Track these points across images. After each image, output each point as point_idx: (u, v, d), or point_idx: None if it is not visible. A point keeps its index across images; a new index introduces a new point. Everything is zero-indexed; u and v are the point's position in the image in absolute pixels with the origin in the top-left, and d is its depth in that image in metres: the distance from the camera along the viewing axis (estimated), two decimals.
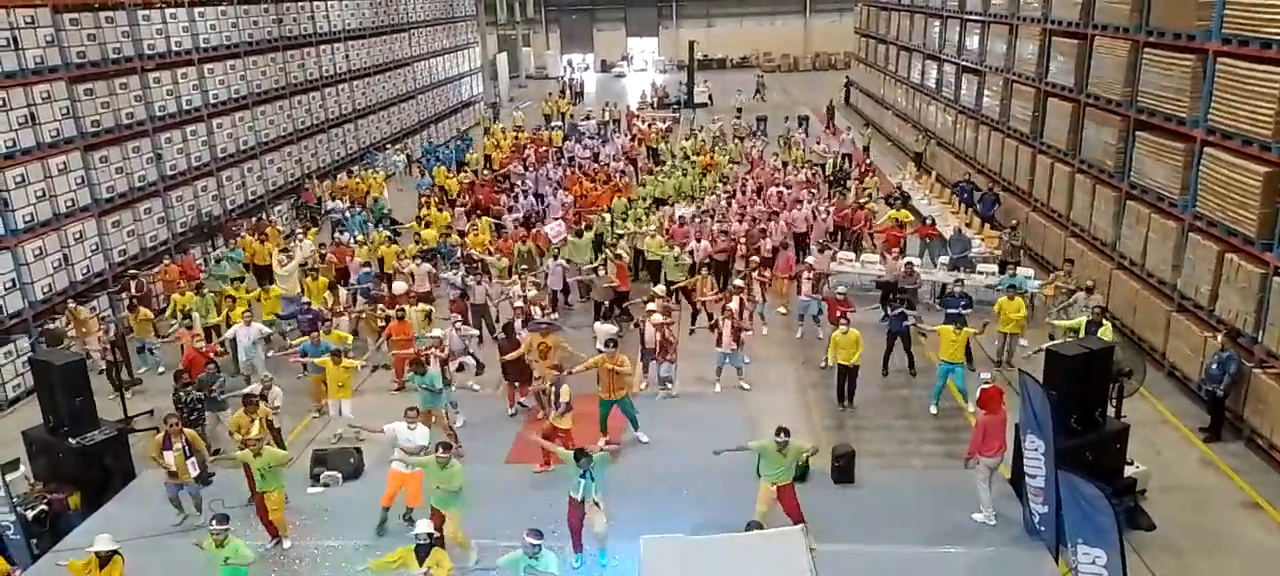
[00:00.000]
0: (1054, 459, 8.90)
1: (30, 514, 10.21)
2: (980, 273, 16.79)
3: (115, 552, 8.19)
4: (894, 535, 9.55)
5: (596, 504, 9.05)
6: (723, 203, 21.19)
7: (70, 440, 10.96)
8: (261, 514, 9.73)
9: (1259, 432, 11.67)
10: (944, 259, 17.85)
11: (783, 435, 9.29)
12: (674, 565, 6.31)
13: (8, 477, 10.13)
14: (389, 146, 30.43)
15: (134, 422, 12.88)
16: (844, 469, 10.77)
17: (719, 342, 13.44)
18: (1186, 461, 11.73)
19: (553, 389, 11.13)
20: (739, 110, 36.76)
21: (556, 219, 19.59)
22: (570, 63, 60.36)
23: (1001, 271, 16.83)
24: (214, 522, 8.33)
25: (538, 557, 7.71)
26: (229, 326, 14.34)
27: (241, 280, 17.01)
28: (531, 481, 10.94)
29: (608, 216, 19.82)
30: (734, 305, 13.66)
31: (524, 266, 17.07)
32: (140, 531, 9.78)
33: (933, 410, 12.89)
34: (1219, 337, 11.92)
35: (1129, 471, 10.36)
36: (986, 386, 10.07)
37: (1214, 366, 11.84)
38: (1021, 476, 9.68)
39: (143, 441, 12.59)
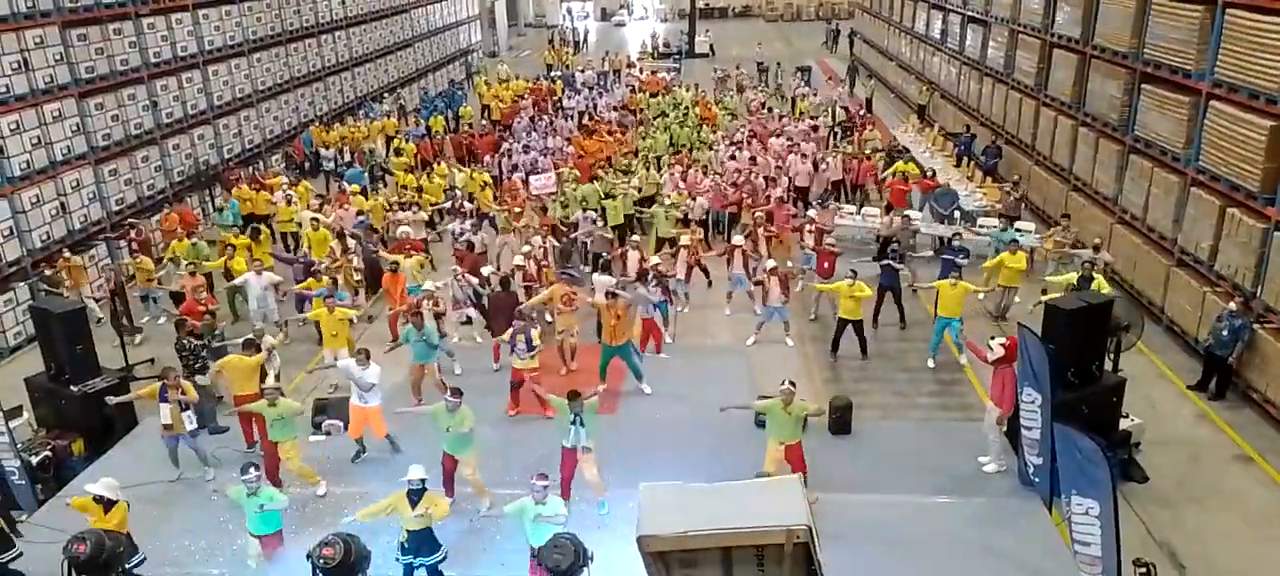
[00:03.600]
0: (1050, 412, 8.96)
1: (34, 459, 10.31)
2: (980, 226, 16.73)
3: (115, 501, 8.23)
4: (890, 485, 9.65)
5: (587, 449, 9.18)
6: (724, 155, 21.04)
7: (72, 387, 11.03)
8: (271, 463, 9.71)
9: (1254, 387, 11.74)
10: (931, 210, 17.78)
11: (788, 383, 9.27)
12: (672, 511, 6.35)
13: (11, 424, 10.20)
14: (387, 96, 30.15)
15: (135, 371, 12.93)
16: (841, 420, 10.85)
17: (765, 300, 13.44)
18: (1181, 415, 11.83)
19: (566, 339, 11.30)
20: (761, 64, 35.84)
21: (547, 170, 19.42)
22: (569, 11, 59.51)
23: (1007, 225, 16.72)
24: (253, 470, 8.33)
25: (546, 502, 7.89)
26: (229, 276, 14.36)
27: (241, 228, 17.00)
28: (529, 431, 11.01)
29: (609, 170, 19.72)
30: (738, 262, 13.76)
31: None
32: (142, 478, 9.88)
33: (930, 364, 12.94)
34: (1232, 303, 11.76)
35: (1124, 424, 10.45)
36: (1005, 340, 10.05)
37: (1225, 332, 11.70)
38: (1017, 428, 9.76)
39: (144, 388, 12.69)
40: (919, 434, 11.08)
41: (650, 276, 13.24)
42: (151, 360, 13.55)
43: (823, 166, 19.93)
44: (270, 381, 9.91)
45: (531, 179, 18.38)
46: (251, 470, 8.38)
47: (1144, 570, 7.67)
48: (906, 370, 12.96)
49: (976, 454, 10.28)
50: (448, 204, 18.53)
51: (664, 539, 6.16)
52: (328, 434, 10.90)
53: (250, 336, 11.35)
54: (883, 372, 12.85)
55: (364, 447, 10.60)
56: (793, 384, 9.32)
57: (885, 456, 10.17)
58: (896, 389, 12.44)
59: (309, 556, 7.22)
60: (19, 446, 10.17)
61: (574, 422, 9.11)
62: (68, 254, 15.11)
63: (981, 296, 12.67)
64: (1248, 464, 10.77)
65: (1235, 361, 11.83)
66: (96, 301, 14.91)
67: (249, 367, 10.59)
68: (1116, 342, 11.36)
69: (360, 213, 17.34)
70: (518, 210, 16.85)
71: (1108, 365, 10.53)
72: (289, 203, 18.02)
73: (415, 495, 8.04)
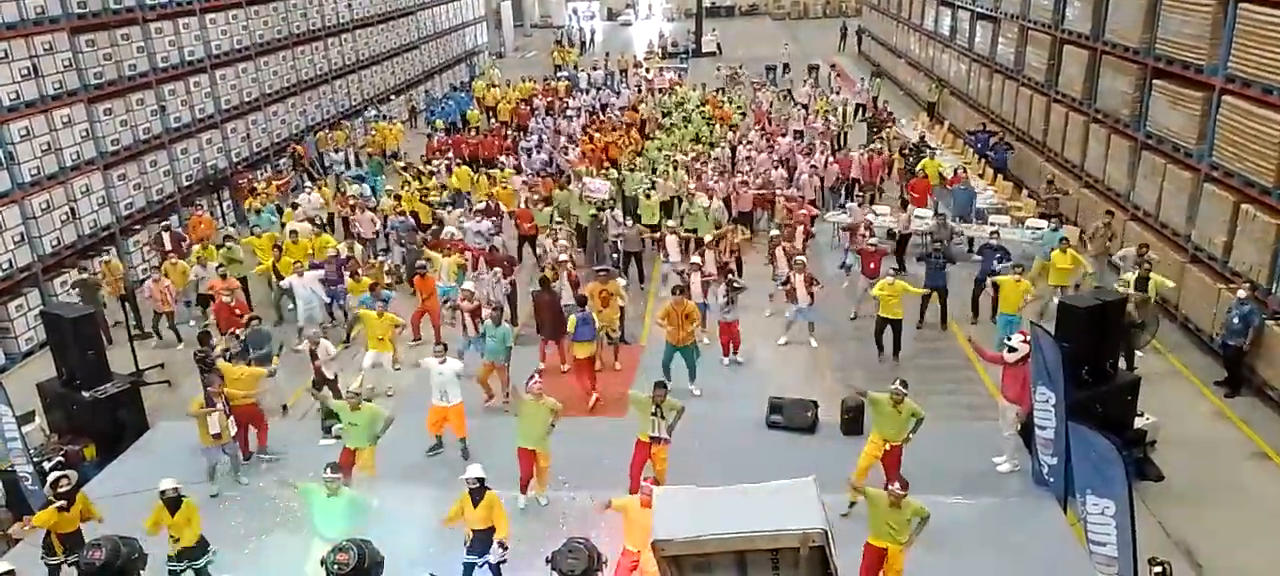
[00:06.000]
0: (1065, 410, 8.89)
1: (47, 464, 10.32)
2: (991, 224, 16.62)
3: (180, 494, 8.29)
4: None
5: (658, 440, 9.27)
6: (731, 153, 21.01)
7: (84, 392, 11.06)
8: (346, 470, 9.58)
9: (1270, 385, 11.63)
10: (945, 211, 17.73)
11: (899, 386, 9.21)
12: (686, 515, 6.32)
13: (24, 429, 10.23)
14: (394, 97, 30.20)
15: (145, 375, 12.96)
16: (853, 420, 10.80)
17: (793, 298, 13.36)
18: (1197, 413, 11.73)
19: (613, 334, 11.81)
20: (771, 67, 35.52)
21: (578, 168, 19.40)
22: (575, 11, 59.43)
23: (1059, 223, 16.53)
24: (327, 470, 8.35)
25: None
26: (278, 276, 14.39)
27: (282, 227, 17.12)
28: (569, 429, 10.95)
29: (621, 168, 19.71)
30: (782, 258, 13.82)
31: (558, 221, 16.92)
32: (156, 481, 9.86)
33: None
34: (1241, 291, 11.68)
35: (1139, 422, 10.38)
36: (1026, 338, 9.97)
37: (1236, 320, 11.61)
38: (1031, 428, 9.69)
39: (155, 393, 12.72)
40: (932, 433, 10.96)
41: (726, 279, 13.07)
42: (161, 365, 13.58)
43: (831, 163, 19.91)
44: (354, 385, 9.87)
45: (585, 181, 18.26)
46: (328, 470, 8.37)
47: (1160, 569, 7.60)
48: (918, 369, 12.87)
49: (990, 453, 10.23)
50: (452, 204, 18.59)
51: (678, 543, 6.13)
52: (337, 438, 10.91)
53: (230, 345, 11.47)
54: (895, 372, 12.75)
55: (441, 443, 10.68)
56: (904, 384, 9.26)
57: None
58: (911, 389, 12.31)
59: (323, 562, 7.20)
60: (31, 451, 10.20)
61: (655, 414, 9.18)
62: (108, 257, 15.14)
63: (1029, 298, 12.61)
64: (1264, 461, 10.68)
65: (1248, 348, 11.69)
66: (123, 303, 14.88)
67: (247, 377, 10.59)
68: (1130, 341, 11.30)
69: (400, 213, 17.33)
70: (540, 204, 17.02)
71: (1122, 363, 10.46)
72: (294, 208, 18.07)
73: (476, 494, 8.07)
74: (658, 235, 15.54)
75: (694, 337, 11.99)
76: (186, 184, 19.17)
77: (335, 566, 7.07)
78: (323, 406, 10.95)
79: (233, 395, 10.44)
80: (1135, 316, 12.11)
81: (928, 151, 20.83)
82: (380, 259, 15.47)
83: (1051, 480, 9.43)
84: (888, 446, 9.26)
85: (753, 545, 6.16)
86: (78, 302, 14.00)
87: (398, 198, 18.47)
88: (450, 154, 22.73)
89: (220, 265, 14.50)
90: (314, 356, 11.49)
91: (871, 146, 21.26)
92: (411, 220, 16.64)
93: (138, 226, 17.45)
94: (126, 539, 7.88)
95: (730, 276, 13.24)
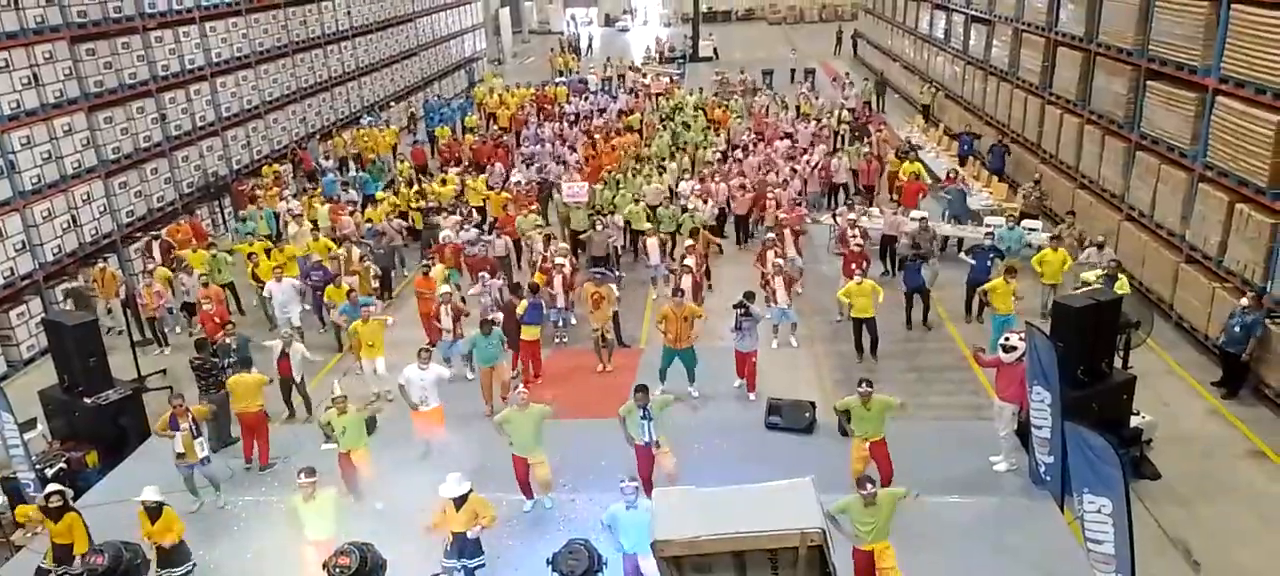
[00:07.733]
0: (1060, 410, 8.95)
1: (49, 471, 10.36)
2: (987, 225, 16.71)
3: (163, 503, 8.32)
4: (901, 484, 9.60)
5: (658, 444, 9.20)
6: (723, 157, 21.09)
7: (85, 399, 11.11)
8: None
9: (1267, 383, 11.70)
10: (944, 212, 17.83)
11: (865, 386, 9.23)
12: (685, 515, 6.39)
13: (26, 436, 10.27)
14: (394, 104, 30.28)
15: (147, 381, 13.00)
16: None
17: (772, 299, 13.41)
18: (1193, 411, 11.79)
19: (607, 336, 12.11)
20: (789, 70, 35.57)
21: (568, 178, 19.47)
22: (573, 17, 59.58)
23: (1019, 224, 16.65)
24: (302, 476, 8.36)
25: (636, 507, 7.85)
26: (258, 282, 14.49)
27: (270, 238, 17.18)
28: (569, 431, 10.93)
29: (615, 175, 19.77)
30: (770, 260, 13.78)
31: (539, 224, 17.00)
32: (158, 487, 9.90)
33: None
34: (1244, 300, 11.68)
35: (1135, 421, 10.43)
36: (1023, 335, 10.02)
37: (1237, 328, 11.60)
38: (1028, 427, 9.74)
39: (157, 400, 12.75)
40: (930, 433, 11.06)
41: (741, 308, 12.34)
42: (163, 371, 13.63)
43: (818, 166, 20.03)
44: (337, 390, 9.89)
45: (564, 187, 18.27)
46: (302, 475, 8.38)
47: None
48: (916, 369, 12.95)
49: (987, 453, 10.28)
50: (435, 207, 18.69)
51: (677, 543, 6.19)
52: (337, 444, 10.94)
53: (234, 348, 11.57)
54: (893, 373, 12.82)
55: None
56: (869, 384, 9.27)
57: (896, 456, 10.11)
58: (907, 388, 12.37)
59: (325, 565, 7.25)
60: (33, 458, 10.25)
61: (644, 418, 9.09)
62: (103, 263, 15.22)
63: (1019, 297, 12.74)
64: (1260, 459, 10.74)
65: (1249, 357, 11.76)
66: (124, 309, 14.94)
67: (251, 386, 10.64)
68: (1126, 340, 11.36)
69: (368, 220, 17.41)
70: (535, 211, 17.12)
71: (1118, 362, 10.52)
72: (294, 216, 18.14)
73: (459, 502, 8.08)
74: (642, 241, 15.65)
75: (693, 340, 12.01)
76: (187, 192, 19.24)
77: (337, 570, 7.12)
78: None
79: (236, 405, 10.57)
80: (1130, 316, 12.17)
81: (913, 154, 20.94)
82: (366, 264, 15.50)
83: (1048, 479, 9.48)
84: (869, 444, 9.31)
85: (752, 545, 6.22)
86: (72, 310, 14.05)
87: (377, 203, 18.65)
88: (458, 160, 22.87)
89: (203, 274, 14.57)
90: (284, 357, 11.58)
91: (860, 149, 21.32)
92: (377, 229, 16.71)
93: (139, 234, 17.53)
94: (129, 545, 7.93)
95: (743, 305, 12.37)
